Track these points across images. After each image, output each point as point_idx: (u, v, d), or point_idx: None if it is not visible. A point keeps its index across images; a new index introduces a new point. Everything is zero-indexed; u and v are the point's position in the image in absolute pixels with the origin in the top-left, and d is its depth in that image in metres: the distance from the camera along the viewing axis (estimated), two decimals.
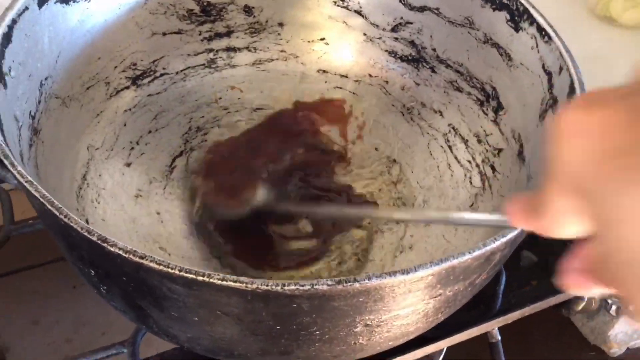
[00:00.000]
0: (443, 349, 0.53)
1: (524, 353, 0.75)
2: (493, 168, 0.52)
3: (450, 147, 0.56)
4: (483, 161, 0.54)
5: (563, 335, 0.78)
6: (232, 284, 0.29)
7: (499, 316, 0.51)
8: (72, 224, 0.31)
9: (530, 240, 0.59)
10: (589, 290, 0.21)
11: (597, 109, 0.17)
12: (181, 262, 0.50)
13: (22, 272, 0.68)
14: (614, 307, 0.70)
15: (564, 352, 0.78)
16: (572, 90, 0.43)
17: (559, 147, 0.18)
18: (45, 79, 0.47)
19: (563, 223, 0.19)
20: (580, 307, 0.60)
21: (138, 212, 0.52)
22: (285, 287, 0.29)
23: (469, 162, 0.55)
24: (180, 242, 0.52)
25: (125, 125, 0.56)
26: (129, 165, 0.54)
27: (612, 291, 0.19)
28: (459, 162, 0.55)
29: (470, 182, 0.54)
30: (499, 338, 0.60)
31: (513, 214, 0.22)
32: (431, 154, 0.57)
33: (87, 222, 0.49)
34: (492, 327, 0.52)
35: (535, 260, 0.57)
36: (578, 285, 0.20)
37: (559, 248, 0.60)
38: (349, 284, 0.29)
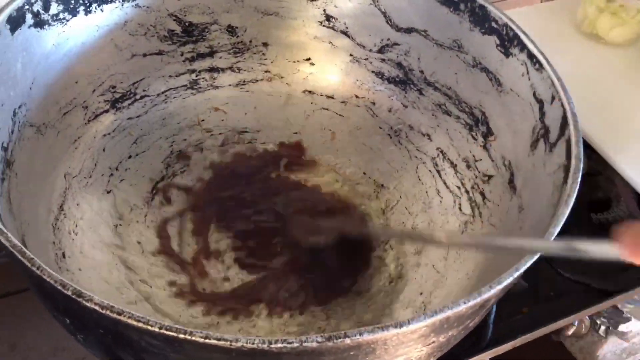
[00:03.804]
0: None
1: None
2: (483, 195, 0.51)
3: (438, 171, 0.55)
4: (472, 187, 0.53)
5: (553, 355, 0.77)
6: (215, 342, 0.27)
7: (489, 348, 0.50)
8: (44, 277, 0.29)
9: None
10: None
11: None
12: (163, 295, 0.48)
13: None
14: (602, 328, 0.69)
15: None
16: (564, 122, 0.42)
17: None
18: (19, 107, 0.45)
19: None
20: (570, 332, 0.59)
21: (118, 243, 0.50)
22: (272, 345, 0.27)
23: (458, 188, 0.54)
24: (163, 273, 0.50)
25: (104, 150, 0.54)
26: (108, 192, 0.53)
27: None
28: (447, 187, 0.54)
29: (460, 209, 0.53)
30: None
31: (628, 245, 0.20)
32: (419, 179, 0.56)
33: (63, 255, 0.47)
34: (482, 359, 0.51)
35: (526, 287, 0.56)
36: None
37: (549, 273, 0.59)
38: (339, 340, 0.28)
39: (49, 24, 0.47)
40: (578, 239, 0.32)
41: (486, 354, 0.50)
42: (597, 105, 0.68)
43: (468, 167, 0.54)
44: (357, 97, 0.61)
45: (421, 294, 0.48)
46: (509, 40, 0.48)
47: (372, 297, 0.49)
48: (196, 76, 0.60)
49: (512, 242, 0.39)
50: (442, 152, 0.56)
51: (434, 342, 0.33)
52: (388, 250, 0.52)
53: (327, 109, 0.61)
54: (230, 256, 0.51)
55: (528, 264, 0.33)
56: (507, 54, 0.49)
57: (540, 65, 0.45)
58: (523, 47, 0.47)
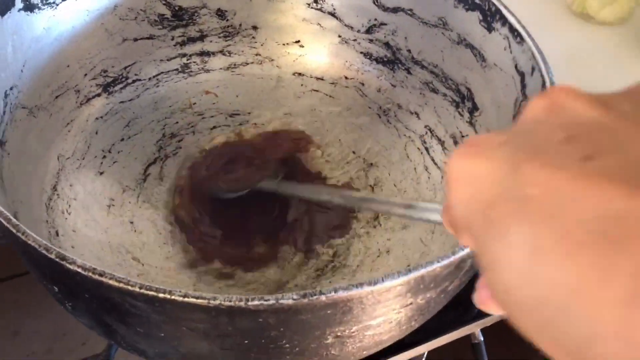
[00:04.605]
0: (424, 353, 0.52)
1: (506, 351, 0.74)
2: None
3: (427, 148, 0.56)
4: None
5: None
6: (194, 300, 0.28)
7: (478, 319, 0.51)
8: (29, 242, 0.30)
9: None
10: (496, 311, 0.21)
11: (478, 158, 0.18)
12: (155, 272, 0.49)
13: (1, 282, 0.67)
14: None
15: None
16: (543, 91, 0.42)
17: (449, 192, 0.19)
18: (10, 89, 0.46)
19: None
20: None
21: (111, 222, 0.51)
22: (249, 303, 0.28)
23: (446, 164, 0.54)
24: (155, 251, 0.51)
25: (96, 133, 0.55)
26: (101, 174, 0.53)
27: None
28: (435, 164, 0.55)
29: None
30: (482, 339, 0.59)
31: (445, 222, 0.23)
32: (408, 156, 0.56)
33: (57, 233, 0.48)
34: (471, 330, 0.51)
35: None
36: (486, 304, 0.21)
37: None
38: (314, 297, 0.29)
39: (39, 8, 0.48)
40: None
41: (475, 325, 0.51)
42: (588, 84, 0.67)
43: (455, 143, 0.54)
44: (346, 78, 0.62)
45: (408, 266, 0.48)
46: (491, 15, 0.49)
47: (359, 270, 0.49)
48: (187, 60, 0.61)
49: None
50: (430, 129, 0.57)
51: (411, 303, 0.34)
52: (376, 226, 0.53)
53: (317, 91, 0.62)
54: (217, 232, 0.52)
55: None
56: (489, 28, 0.49)
57: (521, 38, 0.46)
58: (505, 21, 0.48)
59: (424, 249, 0.49)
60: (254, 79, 0.62)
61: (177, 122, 0.59)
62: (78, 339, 0.66)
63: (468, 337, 0.59)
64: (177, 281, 0.49)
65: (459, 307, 0.51)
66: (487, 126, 0.51)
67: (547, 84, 0.42)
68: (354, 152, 0.58)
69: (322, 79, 0.62)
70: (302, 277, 0.49)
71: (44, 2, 0.49)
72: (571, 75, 0.68)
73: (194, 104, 0.60)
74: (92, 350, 0.61)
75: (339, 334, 0.33)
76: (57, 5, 0.50)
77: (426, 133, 0.57)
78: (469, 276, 0.39)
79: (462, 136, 0.54)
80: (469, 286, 0.52)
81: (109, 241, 0.49)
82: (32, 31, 0.48)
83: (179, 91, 0.60)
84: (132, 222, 0.52)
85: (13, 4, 0.46)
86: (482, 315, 0.51)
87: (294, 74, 0.62)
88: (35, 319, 0.67)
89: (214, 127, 0.59)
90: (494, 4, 0.49)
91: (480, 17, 0.50)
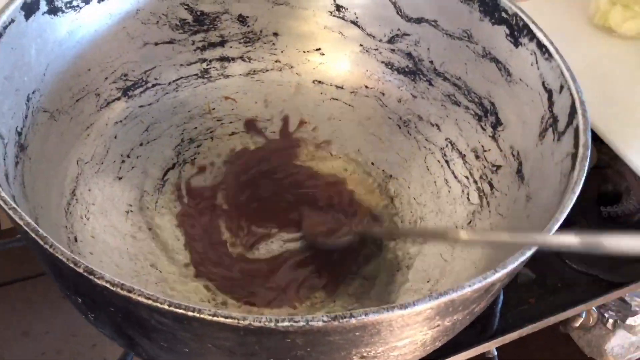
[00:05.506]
0: None
1: None
2: (491, 185, 0.52)
3: (447, 162, 0.55)
4: (481, 177, 0.53)
5: (560, 347, 0.77)
6: (223, 319, 0.28)
7: (496, 337, 0.50)
8: (57, 255, 0.30)
9: None
10: None
11: None
12: (173, 279, 0.49)
13: (13, 283, 0.67)
14: (610, 321, 0.69)
15: None
16: (573, 110, 0.42)
17: None
18: (33, 92, 0.46)
19: None
20: (578, 324, 0.59)
21: (129, 228, 0.51)
22: (279, 324, 0.28)
23: (467, 178, 0.54)
24: (173, 258, 0.50)
25: (115, 137, 0.55)
26: (119, 179, 0.53)
27: None
28: (456, 177, 0.54)
29: (468, 199, 0.53)
30: (496, 354, 0.59)
31: None
32: (428, 169, 0.56)
33: (75, 239, 0.47)
34: (489, 347, 0.51)
35: (533, 277, 0.56)
36: None
37: (556, 264, 0.59)
38: (345, 319, 0.28)
39: (63, 11, 0.48)
40: (602, 234, 0.30)
41: (493, 343, 0.50)
42: (609, 98, 0.67)
43: (477, 157, 0.54)
44: (366, 87, 0.61)
45: (428, 281, 0.48)
46: (518, 30, 0.48)
47: (379, 285, 0.49)
48: (207, 65, 0.60)
49: (533, 238, 0.35)
50: (451, 142, 0.56)
51: (438, 325, 0.33)
52: (396, 239, 0.53)
53: (336, 99, 0.61)
54: (242, 242, 0.51)
55: (533, 250, 0.33)
56: (516, 43, 0.49)
57: (550, 54, 0.45)
58: (532, 36, 0.47)
59: (444, 265, 0.49)
60: (274, 85, 0.62)
61: (195, 128, 0.58)
62: (88, 340, 0.66)
63: (482, 352, 0.59)
64: (194, 289, 0.49)
65: (478, 325, 0.51)
66: (511, 142, 0.50)
67: (577, 103, 0.41)
68: (373, 164, 0.58)
69: (342, 88, 0.61)
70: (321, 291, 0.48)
71: (68, 5, 0.48)
72: (591, 88, 0.68)
73: (213, 109, 0.60)
74: (102, 353, 0.61)
75: (364, 354, 0.33)
76: (81, 8, 0.50)
77: (447, 146, 0.56)
78: (494, 297, 0.39)
79: (484, 151, 0.53)
80: (489, 305, 0.52)
81: (127, 248, 0.49)
82: (56, 34, 0.48)
83: (198, 96, 0.60)
84: (150, 229, 0.51)
85: (38, 7, 0.46)
86: (500, 333, 0.51)
87: (313, 81, 0.62)
88: (45, 320, 0.66)
89: (233, 133, 0.59)
90: (521, 19, 0.48)
91: (507, 32, 0.49)
